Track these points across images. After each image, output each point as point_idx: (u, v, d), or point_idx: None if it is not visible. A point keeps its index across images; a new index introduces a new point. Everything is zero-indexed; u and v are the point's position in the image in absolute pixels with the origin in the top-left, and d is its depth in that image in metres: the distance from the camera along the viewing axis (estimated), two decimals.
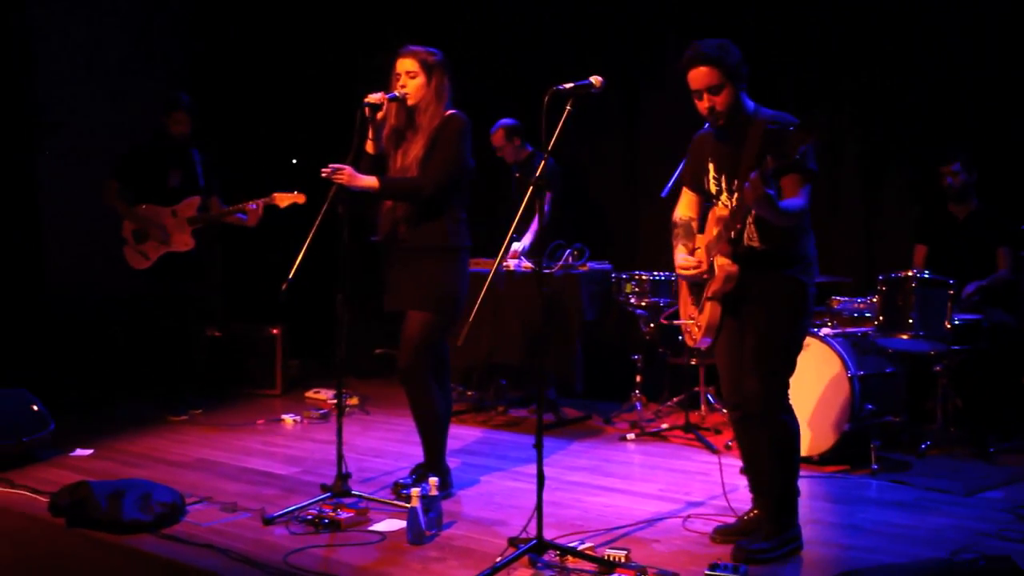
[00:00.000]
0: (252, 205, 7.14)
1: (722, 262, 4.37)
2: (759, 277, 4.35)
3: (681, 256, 4.60)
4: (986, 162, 6.79)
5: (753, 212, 4.23)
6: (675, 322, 6.71)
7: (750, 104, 4.36)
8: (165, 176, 7.38)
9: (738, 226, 4.32)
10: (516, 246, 7.30)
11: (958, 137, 6.94)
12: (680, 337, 7.16)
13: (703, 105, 4.31)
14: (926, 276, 6.00)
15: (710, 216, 4.55)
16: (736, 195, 4.33)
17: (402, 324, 5.24)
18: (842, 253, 7.35)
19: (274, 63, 9.48)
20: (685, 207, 4.70)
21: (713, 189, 4.46)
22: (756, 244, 4.35)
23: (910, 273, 6.03)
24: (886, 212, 7.38)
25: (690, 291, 4.68)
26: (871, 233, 7.45)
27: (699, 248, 4.59)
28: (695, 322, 4.59)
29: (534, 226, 7.22)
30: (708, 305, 4.47)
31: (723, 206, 4.43)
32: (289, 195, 6.98)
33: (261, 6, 9.45)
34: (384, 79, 5.22)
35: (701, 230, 4.63)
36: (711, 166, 4.46)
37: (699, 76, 4.27)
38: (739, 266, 4.34)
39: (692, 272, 4.54)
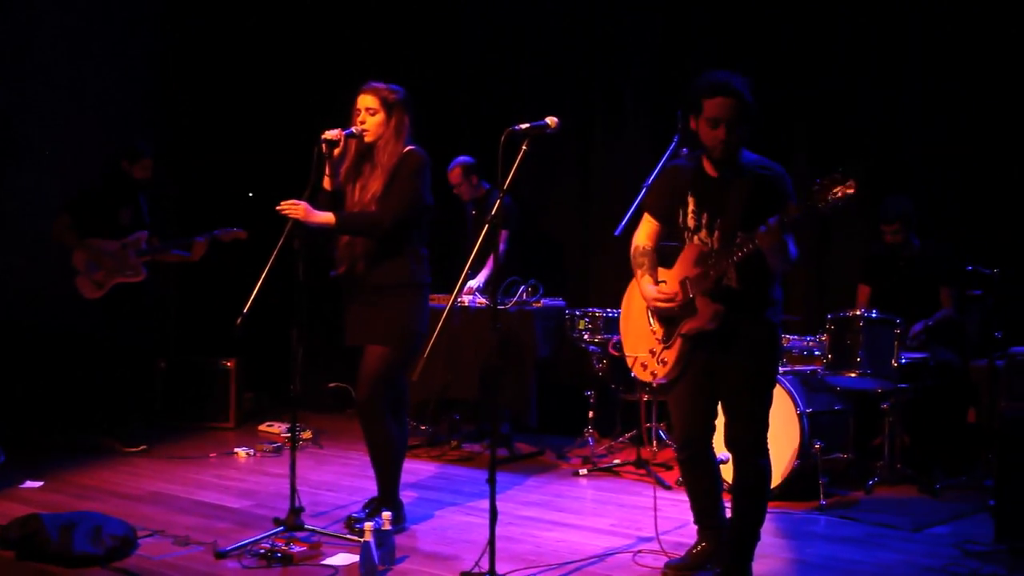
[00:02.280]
0: (199, 238, 7.25)
1: (706, 300, 4.34)
2: (738, 319, 4.35)
3: (651, 288, 4.52)
4: (930, 203, 6.93)
5: (737, 255, 4.22)
6: (627, 354, 6.70)
7: None
8: (116, 213, 7.43)
9: (725, 265, 4.27)
10: (471, 283, 7.34)
11: (904, 178, 7.08)
12: (632, 373, 7.28)
13: (716, 134, 4.26)
14: (873, 315, 6.11)
15: (687, 251, 4.46)
16: (718, 233, 4.32)
17: (361, 358, 5.27)
18: (791, 291, 7.43)
19: (234, 98, 9.48)
20: (645, 236, 4.63)
21: (691, 224, 4.40)
22: (733, 285, 4.32)
23: (858, 312, 6.14)
24: (835, 251, 7.49)
25: (660, 323, 4.56)
26: (820, 272, 7.55)
27: (664, 281, 4.52)
28: (658, 356, 4.55)
29: (489, 264, 7.27)
30: (680, 341, 4.45)
31: (701, 243, 4.40)
32: (230, 232, 7.12)
33: (224, 43, 9.45)
34: (345, 115, 5.26)
35: (665, 263, 4.59)
36: (691, 200, 4.40)
37: (726, 105, 4.23)
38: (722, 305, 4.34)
39: (666, 305, 4.47)
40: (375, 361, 5.20)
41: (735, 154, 4.31)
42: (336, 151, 5.17)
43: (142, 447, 7.36)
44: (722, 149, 4.28)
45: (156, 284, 7.60)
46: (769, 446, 4.42)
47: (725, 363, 4.40)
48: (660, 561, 4.80)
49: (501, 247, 7.59)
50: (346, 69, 8.73)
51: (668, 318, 4.51)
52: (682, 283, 4.44)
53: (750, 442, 4.40)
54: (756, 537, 4.48)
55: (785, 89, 7.48)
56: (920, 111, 7.16)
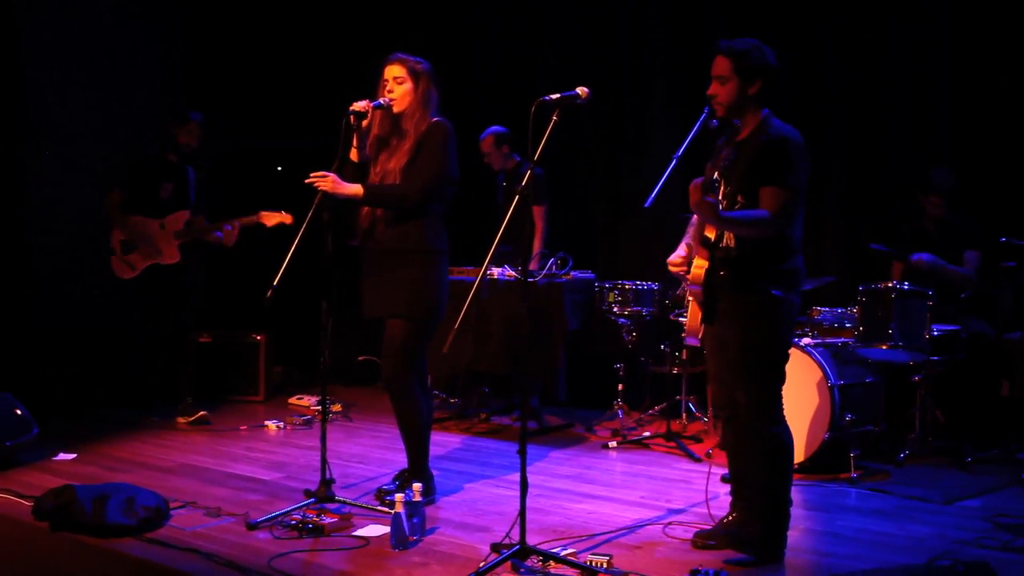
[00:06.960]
0: (228, 227, 7.09)
1: (696, 262, 4.44)
2: (734, 290, 4.37)
3: (675, 252, 4.69)
4: (962, 171, 6.87)
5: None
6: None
7: (763, 111, 4.40)
8: (158, 188, 7.34)
9: (714, 230, 4.36)
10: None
11: (937, 148, 7.02)
12: (663, 346, 7.28)
13: (710, 91, 4.40)
14: (905, 287, 6.06)
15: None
16: (725, 202, 4.36)
17: (384, 331, 5.27)
18: (826, 262, 7.40)
19: (264, 73, 9.47)
20: None
21: (720, 194, 4.45)
22: (732, 245, 4.36)
23: (890, 284, 6.09)
24: (867, 221, 7.43)
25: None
26: (853, 242, 7.49)
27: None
28: (686, 320, 4.65)
29: (536, 246, 7.33)
30: (691, 306, 4.53)
31: None
32: (276, 214, 6.95)
33: (253, 18, 9.44)
34: (372, 89, 5.25)
35: None
36: (717, 171, 4.48)
37: (716, 63, 4.38)
38: (708, 270, 4.38)
39: (674, 269, 4.65)
40: (399, 334, 5.20)
41: (729, 113, 4.39)
42: (364, 123, 5.17)
43: (202, 413, 7.43)
44: (714, 106, 4.39)
45: (195, 265, 7.49)
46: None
47: (723, 330, 4.46)
48: (690, 532, 4.80)
49: (541, 224, 7.57)
50: (371, 41, 8.70)
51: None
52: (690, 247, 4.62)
53: (752, 409, 4.41)
54: (783, 507, 4.47)
55: (815, 66, 7.43)
56: (952, 83, 7.08)
